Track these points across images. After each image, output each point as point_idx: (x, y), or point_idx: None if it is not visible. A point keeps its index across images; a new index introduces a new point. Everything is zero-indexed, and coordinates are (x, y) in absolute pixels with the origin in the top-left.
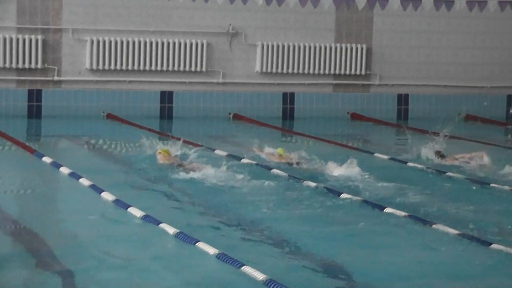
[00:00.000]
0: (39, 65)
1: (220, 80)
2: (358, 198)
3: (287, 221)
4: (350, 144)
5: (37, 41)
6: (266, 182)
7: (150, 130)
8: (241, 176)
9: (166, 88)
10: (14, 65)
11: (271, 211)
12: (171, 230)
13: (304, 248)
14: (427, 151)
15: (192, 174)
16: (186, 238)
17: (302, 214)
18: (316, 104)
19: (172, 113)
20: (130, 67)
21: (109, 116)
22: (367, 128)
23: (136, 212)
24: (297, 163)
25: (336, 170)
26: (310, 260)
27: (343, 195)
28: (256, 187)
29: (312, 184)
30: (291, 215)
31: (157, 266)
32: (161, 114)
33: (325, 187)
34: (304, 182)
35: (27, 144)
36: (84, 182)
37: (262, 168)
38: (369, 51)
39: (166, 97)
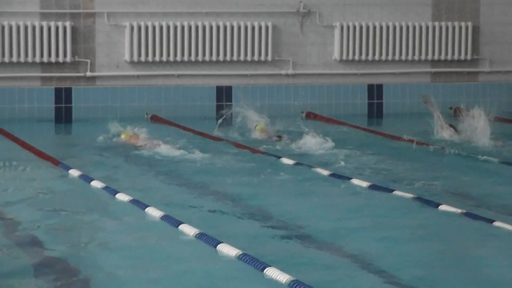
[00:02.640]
0: (68, 58)
1: (290, 71)
2: (327, 171)
3: (262, 196)
4: (453, 151)
5: (65, 28)
6: (237, 159)
7: (203, 134)
8: (204, 155)
9: (224, 82)
10: (38, 59)
11: (247, 187)
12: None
13: (276, 219)
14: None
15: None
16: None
17: (278, 188)
18: (410, 98)
19: (232, 112)
20: (178, 58)
21: (154, 118)
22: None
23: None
24: (278, 137)
25: (314, 146)
26: (282, 228)
27: (318, 169)
28: (220, 163)
29: (290, 161)
30: (266, 190)
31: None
32: (218, 115)
33: (299, 163)
34: (282, 159)
35: (52, 155)
36: (123, 197)
37: (231, 145)
38: (475, 30)
39: (224, 94)
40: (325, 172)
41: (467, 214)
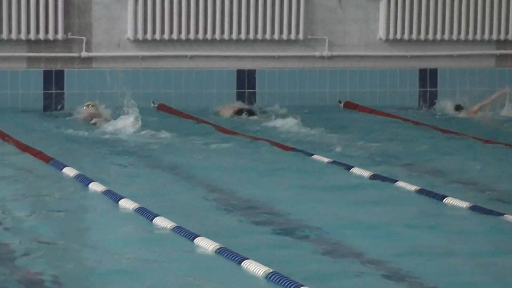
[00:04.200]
0: (60, 35)
1: (326, 53)
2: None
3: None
4: None
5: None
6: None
7: (219, 128)
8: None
9: (246, 65)
10: (23, 36)
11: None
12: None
13: (245, 198)
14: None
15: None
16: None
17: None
18: (471, 85)
19: (255, 100)
20: (192, 35)
21: (162, 107)
22: None
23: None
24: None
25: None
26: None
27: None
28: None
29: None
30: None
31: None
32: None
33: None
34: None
35: (40, 150)
36: (127, 204)
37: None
38: None
39: (246, 79)
40: (325, 160)
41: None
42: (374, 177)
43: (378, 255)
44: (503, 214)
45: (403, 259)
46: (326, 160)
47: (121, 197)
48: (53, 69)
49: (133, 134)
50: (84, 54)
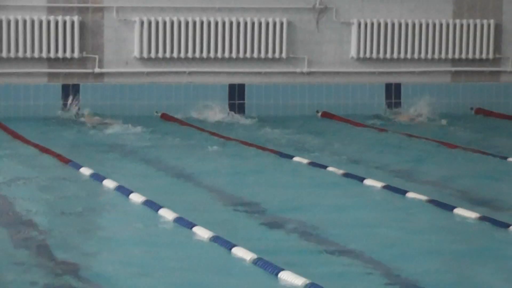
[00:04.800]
0: (76, 54)
1: (305, 69)
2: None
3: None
4: (478, 149)
5: (72, 23)
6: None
7: (214, 134)
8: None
9: (236, 80)
10: (44, 55)
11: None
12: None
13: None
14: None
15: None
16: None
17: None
18: (430, 98)
19: (244, 111)
20: (190, 54)
21: (164, 116)
22: (497, 127)
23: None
24: None
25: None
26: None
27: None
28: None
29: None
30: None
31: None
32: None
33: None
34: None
35: (60, 153)
36: (136, 198)
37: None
38: (498, 28)
39: (236, 92)
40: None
41: (432, 201)
42: (346, 175)
43: (357, 246)
44: (454, 207)
45: (383, 251)
46: (305, 161)
47: (159, 206)
48: (70, 83)
49: (139, 139)
50: (97, 70)
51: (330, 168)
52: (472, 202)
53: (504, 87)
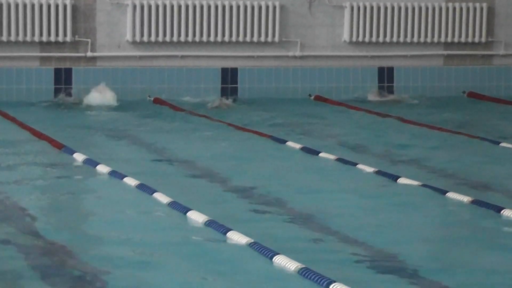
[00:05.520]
0: (68, 38)
1: (298, 53)
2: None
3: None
4: (465, 132)
5: (65, 6)
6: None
7: (207, 117)
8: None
9: (229, 64)
10: (36, 38)
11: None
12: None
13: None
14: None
15: None
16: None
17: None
18: (422, 82)
19: (236, 95)
20: (182, 38)
21: (157, 100)
22: (488, 111)
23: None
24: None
25: None
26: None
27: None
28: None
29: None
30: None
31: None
32: (223, 96)
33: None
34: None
35: (53, 137)
36: (130, 181)
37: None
38: (491, 11)
39: (229, 76)
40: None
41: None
42: (338, 160)
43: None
44: (446, 192)
45: (378, 235)
46: (298, 146)
47: (154, 191)
48: (62, 67)
49: (132, 123)
50: (89, 54)
51: (323, 154)
52: (465, 186)
53: (496, 71)
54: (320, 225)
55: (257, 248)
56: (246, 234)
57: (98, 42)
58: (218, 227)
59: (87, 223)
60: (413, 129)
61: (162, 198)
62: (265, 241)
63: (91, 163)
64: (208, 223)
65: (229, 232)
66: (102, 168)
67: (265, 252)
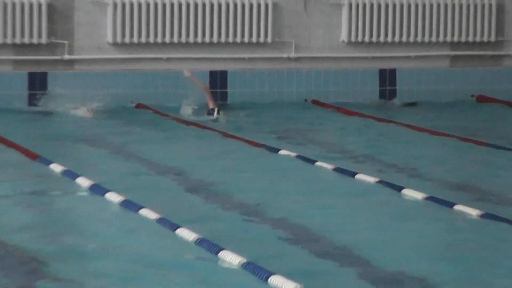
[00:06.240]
0: (44, 39)
1: (292, 55)
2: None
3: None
4: (474, 138)
5: (40, 5)
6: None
7: (193, 124)
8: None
9: (218, 67)
10: (9, 40)
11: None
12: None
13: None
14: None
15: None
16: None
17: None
18: (427, 85)
19: (226, 100)
20: (167, 39)
21: (140, 106)
22: (500, 115)
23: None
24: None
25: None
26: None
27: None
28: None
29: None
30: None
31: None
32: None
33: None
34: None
35: (27, 148)
36: (114, 197)
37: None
38: (500, 8)
39: (218, 79)
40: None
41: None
42: (336, 170)
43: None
44: (454, 204)
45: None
46: (293, 154)
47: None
48: (37, 71)
49: (114, 131)
50: (66, 57)
51: (319, 163)
52: (473, 197)
53: (507, 72)
54: (320, 242)
55: (250, 269)
56: (239, 252)
57: (76, 44)
58: (210, 246)
59: (69, 239)
60: (418, 136)
61: (149, 214)
62: (259, 261)
63: (70, 174)
64: (199, 242)
65: (221, 252)
66: (83, 181)
67: (259, 273)
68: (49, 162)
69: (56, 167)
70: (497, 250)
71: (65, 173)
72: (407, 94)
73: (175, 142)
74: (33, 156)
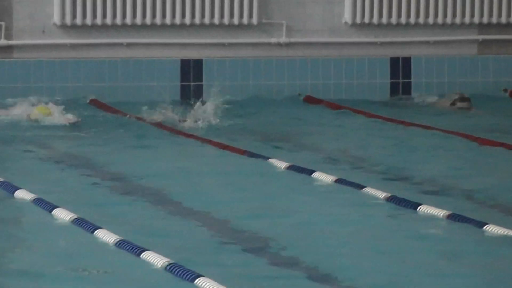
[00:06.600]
0: None
1: (283, 39)
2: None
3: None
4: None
5: None
6: None
7: (160, 126)
8: None
9: (191, 54)
10: None
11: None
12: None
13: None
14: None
15: None
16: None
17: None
18: (450, 76)
19: (201, 95)
20: (128, 20)
21: (95, 102)
22: None
23: None
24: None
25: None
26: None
27: None
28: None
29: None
30: None
31: None
32: (182, 97)
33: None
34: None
35: None
36: (61, 214)
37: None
38: None
39: (191, 70)
40: None
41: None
42: (338, 181)
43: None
44: (485, 224)
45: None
46: (284, 165)
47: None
48: None
49: (61, 133)
50: (3, 42)
51: (317, 174)
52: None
53: None
54: (318, 272)
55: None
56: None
57: (15, 26)
58: (184, 272)
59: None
60: (437, 138)
61: (107, 235)
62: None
63: (8, 187)
64: (170, 267)
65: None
66: (24, 194)
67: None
68: None
69: None
70: None
71: (1, 184)
72: (425, 88)
73: (135, 147)
74: None
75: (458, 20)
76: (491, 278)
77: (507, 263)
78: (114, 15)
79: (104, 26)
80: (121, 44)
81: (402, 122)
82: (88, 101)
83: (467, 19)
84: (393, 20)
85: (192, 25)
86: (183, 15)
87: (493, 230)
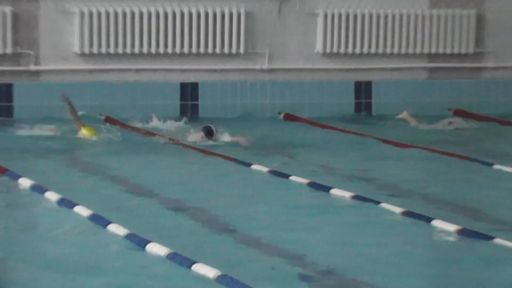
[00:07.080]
0: (9, 49)
1: (265, 66)
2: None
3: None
4: (455, 152)
5: (4, 14)
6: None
7: (172, 140)
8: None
9: (189, 78)
10: None
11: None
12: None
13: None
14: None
15: None
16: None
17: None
18: (404, 97)
19: (198, 113)
20: (137, 49)
21: (109, 120)
22: (480, 131)
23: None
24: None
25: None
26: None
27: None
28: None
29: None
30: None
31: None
32: (182, 114)
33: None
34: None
35: None
36: (82, 211)
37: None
38: (480, 19)
39: (189, 91)
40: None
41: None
42: (310, 184)
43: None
44: (493, 238)
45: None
46: (266, 170)
47: (109, 222)
48: (2, 82)
49: (79, 145)
50: (32, 67)
51: (293, 177)
52: (452, 212)
53: (486, 85)
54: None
55: (225, 281)
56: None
57: (42, 54)
58: (182, 260)
59: (36, 253)
60: (397, 151)
61: (117, 230)
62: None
63: (39, 189)
64: (171, 257)
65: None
66: (51, 196)
67: (233, 285)
68: (18, 176)
69: (24, 181)
70: None
71: (33, 187)
72: (384, 107)
73: (144, 157)
74: (2, 170)
75: (411, 50)
76: None
77: None
78: (124, 45)
79: (116, 54)
80: (130, 70)
81: (357, 134)
82: (103, 118)
83: (418, 50)
84: (357, 50)
85: (190, 53)
86: (182, 45)
87: None
